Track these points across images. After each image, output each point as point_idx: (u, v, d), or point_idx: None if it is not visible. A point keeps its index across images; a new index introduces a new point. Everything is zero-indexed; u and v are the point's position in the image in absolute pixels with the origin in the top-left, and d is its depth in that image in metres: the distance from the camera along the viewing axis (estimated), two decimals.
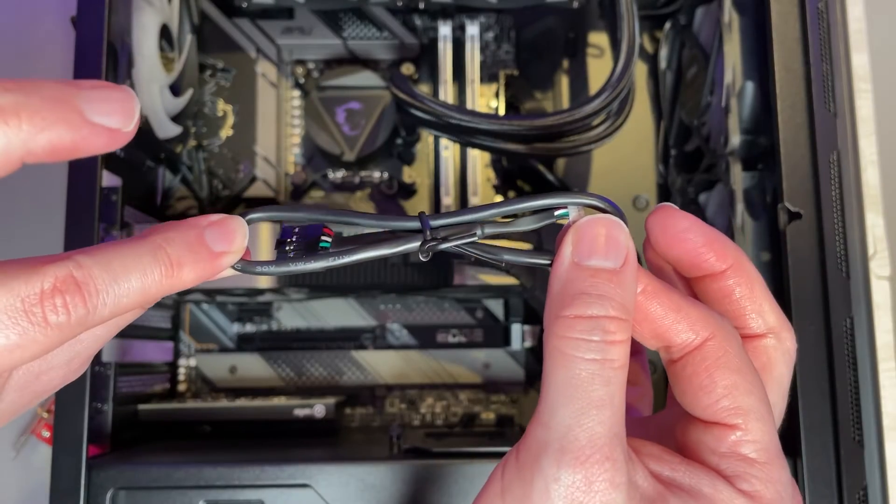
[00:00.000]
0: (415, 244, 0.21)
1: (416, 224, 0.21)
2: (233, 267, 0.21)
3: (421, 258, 0.21)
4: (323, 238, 0.21)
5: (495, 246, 0.22)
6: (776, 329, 0.24)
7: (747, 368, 0.22)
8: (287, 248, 0.21)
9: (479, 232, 0.21)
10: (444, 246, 0.21)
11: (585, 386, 0.20)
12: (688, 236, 0.23)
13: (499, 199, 0.50)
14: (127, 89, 0.19)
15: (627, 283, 0.21)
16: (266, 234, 0.41)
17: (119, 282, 0.19)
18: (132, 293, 0.19)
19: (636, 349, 0.29)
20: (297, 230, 0.22)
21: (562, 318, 0.21)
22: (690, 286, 0.25)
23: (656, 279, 0.23)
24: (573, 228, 0.21)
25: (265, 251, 0.40)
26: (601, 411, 0.20)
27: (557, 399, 0.20)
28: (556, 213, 0.22)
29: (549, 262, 0.22)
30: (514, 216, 0.22)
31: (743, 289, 0.23)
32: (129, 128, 0.19)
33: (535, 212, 0.22)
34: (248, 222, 0.21)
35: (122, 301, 0.19)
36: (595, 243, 0.21)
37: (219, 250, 0.21)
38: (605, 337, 0.20)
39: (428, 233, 0.21)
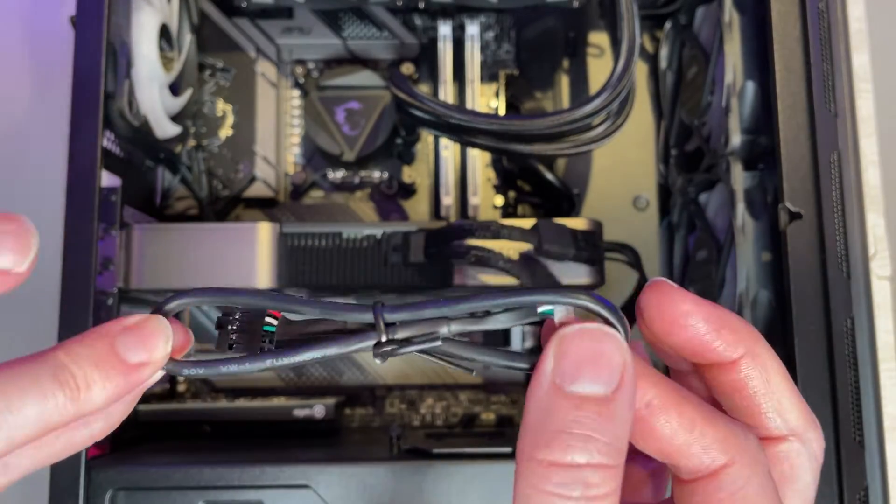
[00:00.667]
0: (368, 343, 0.18)
1: (369, 317, 0.18)
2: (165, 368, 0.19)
3: (377, 361, 0.19)
4: (268, 321, 0.19)
5: (467, 344, 0.19)
6: (799, 431, 0.20)
7: (770, 502, 0.18)
8: (229, 330, 0.19)
9: (444, 330, 0.18)
10: (403, 351, 0.18)
11: None
12: (689, 321, 0.19)
13: (499, 199, 0.50)
14: (21, 220, 0.17)
15: (620, 416, 0.17)
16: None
17: (13, 411, 0.17)
18: (29, 423, 0.17)
19: None
20: (239, 310, 0.19)
21: (535, 462, 0.17)
22: (694, 371, 0.21)
23: (668, 385, 0.19)
24: (556, 340, 0.18)
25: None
26: None
27: None
28: (539, 310, 0.18)
29: (529, 367, 0.18)
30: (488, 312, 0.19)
31: (758, 382, 0.19)
32: (23, 267, 0.17)
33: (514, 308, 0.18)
34: (169, 313, 0.19)
35: (16, 434, 0.17)
36: (582, 362, 0.17)
37: (135, 361, 0.18)
38: (586, 492, 0.17)
39: (383, 332, 0.18)
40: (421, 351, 0.19)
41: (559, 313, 0.18)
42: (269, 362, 0.18)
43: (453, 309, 0.18)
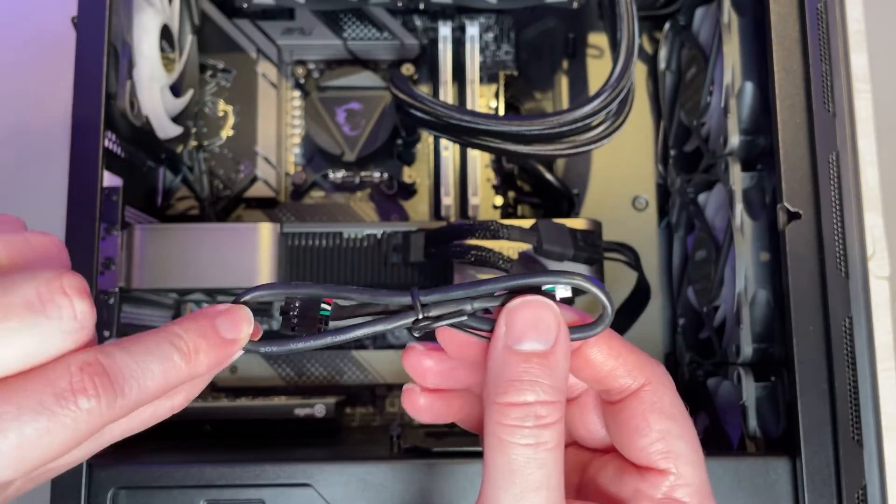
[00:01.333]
0: (408, 321, 0.22)
1: (407, 300, 0.22)
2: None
3: (413, 335, 0.23)
4: (323, 306, 0.23)
5: (484, 319, 0.23)
6: (648, 374, 0.24)
7: (680, 414, 0.23)
8: (291, 315, 0.23)
9: (469, 307, 0.22)
10: (435, 325, 0.22)
11: (522, 470, 0.21)
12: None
13: (499, 199, 0.50)
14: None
15: (559, 365, 0.22)
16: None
17: (141, 366, 0.20)
18: (156, 377, 0.20)
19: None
20: (298, 300, 0.23)
21: (497, 405, 0.22)
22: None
23: None
24: (504, 312, 0.22)
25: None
26: (538, 493, 0.21)
27: (497, 483, 0.21)
28: (543, 288, 0.22)
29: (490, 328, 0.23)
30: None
31: (605, 357, 0.24)
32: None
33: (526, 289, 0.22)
34: (248, 304, 0.22)
35: (146, 385, 0.20)
36: (525, 327, 0.22)
37: (229, 338, 0.22)
38: (537, 422, 0.21)
39: (420, 311, 0.22)
40: (450, 324, 0.23)
41: (560, 291, 0.22)
42: (329, 339, 0.22)
43: (476, 290, 0.22)
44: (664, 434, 0.23)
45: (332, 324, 0.23)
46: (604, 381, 0.23)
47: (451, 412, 0.26)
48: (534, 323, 0.22)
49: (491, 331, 0.23)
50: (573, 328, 0.22)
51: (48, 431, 0.18)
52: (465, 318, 0.22)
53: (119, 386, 0.19)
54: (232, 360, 0.22)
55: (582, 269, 0.40)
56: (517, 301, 0.22)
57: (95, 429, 0.19)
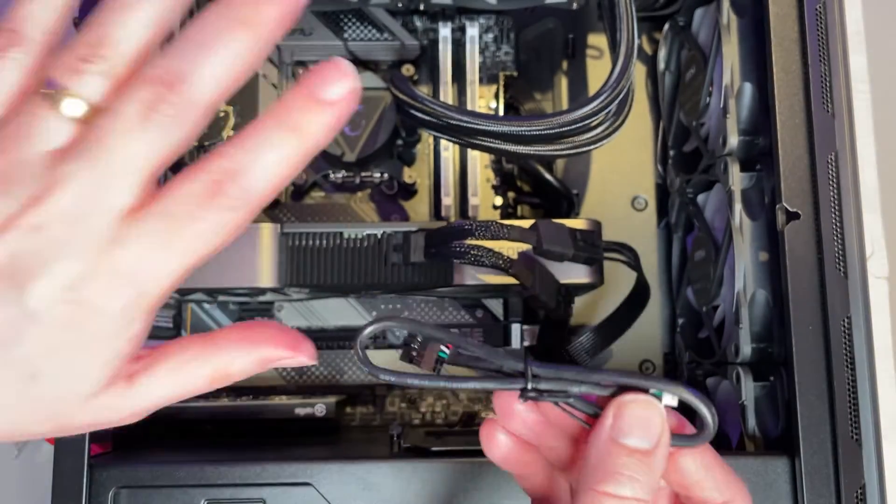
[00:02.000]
0: (516, 387, 0.24)
1: (520, 367, 0.24)
2: (362, 363, 0.23)
3: (519, 401, 0.24)
4: (443, 349, 0.24)
5: (587, 403, 0.24)
6: (733, 491, 0.25)
7: None
8: (413, 347, 0.24)
9: (575, 390, 0.24)
10: (541, 399, 0.24)
11: None
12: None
13: (499, 200, 0.50)
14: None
15: (657, 465, 0.23)
16: None
17: (261, 159, 0.20)
18: (276, 166, 0.20)
19: None
20: (420, 335, 0.24)
21: (594, 492, 0.23)
22: None
23: None
24: (615, 404, 0.24)
25: None
26: None
27: None
28: (651, 391, 0.24)
29: (594, 413, 0.24)
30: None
31: (697, 468, 0.25)
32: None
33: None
34: (379, 328, 0.24)
35: (268, 175, 0.20)
36: (634, 423, 0.23)
37: (331, 98, 0.21)
38: None
39: (529, 381, 0.23)
40: (554, 401, 0.24)
41: (666, 399, 0.24)
42: (442, 384, 0.24)
43: (588, 377, 0.24)
44: None
45: (446, 367, 0.24)
46: (690, 489, 0.24)
47: (519, 462, 0.27)
48: (642, 421, 0.23)
49: (592, 416, 0.24)
50: (674, 435, 0.24)
51: (205, 232, 0.20)
52: (570, 399, 0.24)
53: (245, 190, 0.20)
54: (346, 115, 0.22)
55: (581, 269, 0.40)
56: (630, 396, 0.23)
57: (242, 218, 0.20)
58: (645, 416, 0.23)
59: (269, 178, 0.20)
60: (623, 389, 0.24)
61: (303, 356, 0.24)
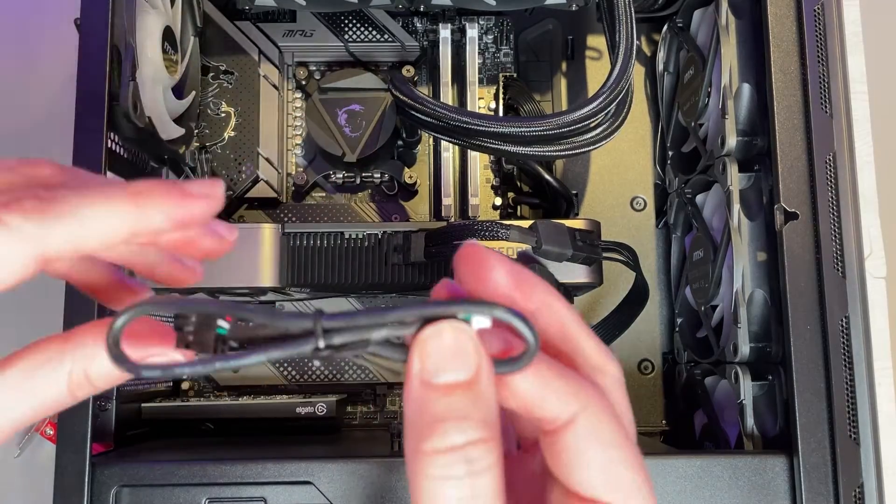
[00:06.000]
0: (306, 348, 0.20)
1: (309, 325, 0.20)
2: (116, 362, 0.20)
3: (315, 363, 0.20)
4: (220, 323, 0.20)
5: (396, 347, 0.20)
6: (600, 365, 0.22)
7: (621, 440, 0.20)
8: (186, 331, 0.20)
9: (375, 336, 0.20)
10: (337, 355, 0.20)
11: None
12: (492, 275, 0.21)
13: (498, 200, 0.50)
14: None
15: (486, 394, 0.19)
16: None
17: (80, 195, 0.19)
18: (95, 206, 0.19)
19: None
20: (194, 315, 0.21)
21: (420, 454, 0.18)
22: None
23: None
24: (417, 345, 0.19)
25: None
26: None
27: None
28: (459, 317, 0.20)
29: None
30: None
31: (556, 329, 0.22)
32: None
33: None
34: (136, 314, 0.20)
35: (84, 213, 0.19)
36: (442, 355, 0.19)
37: (190, 191, 0.20)
38: (470, 468, 0.18)
39: (320, 338, 0.20)
40: (355, 355, 0.20)
41: (477, 322, 0.20)
42: (218, 364, 0.20)
43: (385, 317, 0.20)
44: (605, 465, 0.20)
45: (228, 343, 0.20)
46: (534, 411, 0.20)
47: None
48: (451, 350, 0.19)
49: (405, 361, 0.20)
50: (495, 361, 0.20)
51: None
52: (368, 347, 0.20)
53: (51, 207, 0.18)
54: (198, 216, 0.20)
55: (581, 269, 0.41)
56: (431, 328, 0.19)
57: (25, 248, 0.18)
58: (454, 345, 0.19)
59: (77, 220, 0.19)
60: (428, 322, 0.20)
61: (175, 352, 0.21)
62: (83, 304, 0.34)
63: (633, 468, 0.21)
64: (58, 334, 0.21)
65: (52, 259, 0.19)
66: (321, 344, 0.20)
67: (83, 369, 0.20)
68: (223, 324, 0.20)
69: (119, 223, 0.19)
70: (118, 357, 0.20)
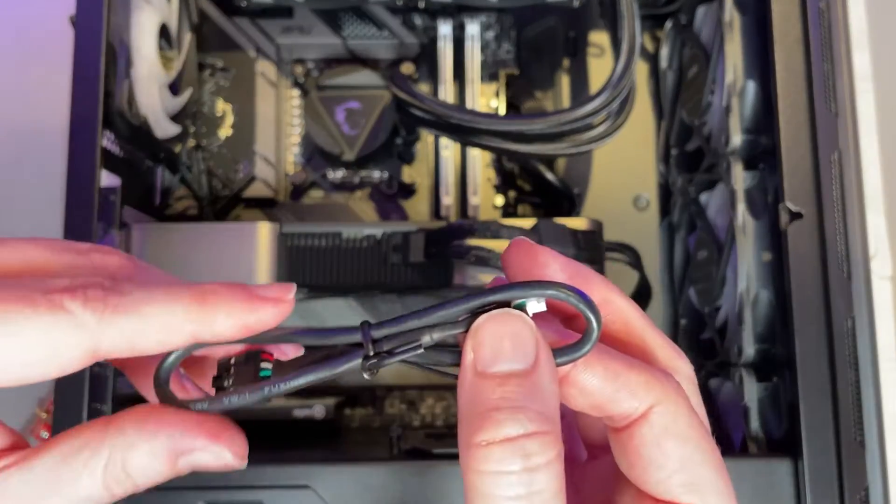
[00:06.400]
0: (356, 362, 0.19)
1: (356, 337, 0.19)
2: (163, 401, 0.19)
3: (365, 376, 0.19)
4: (263, 366, 0.20)
5: (452, 352, 0.19)
6: (668, 362, 0.21)
7: (699, 435, 0.19)
8: (225, 382, 0.20)
9: (427, 339, 0.19)
10: (388, 361, 0.19)
11: None
12: (546, 271, 0.20)
13: (499, 199, 0.50)
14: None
15: (544, 385, 0.18)
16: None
17: (147, 292, 0.18)
18: (157, 304, 0.18)
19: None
20: (233, 361, 0.20)
21: (473, 447, 0.17)
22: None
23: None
24: (471, 333, 0.18)
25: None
26: None
27: None
28: (513, 304, 0.18)
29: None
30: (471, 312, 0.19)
31: (619, 325, 0.21)
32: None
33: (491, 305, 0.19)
34: (186, 353, 0.19)
35: (145, 310, 0.18)
36: (497, 345, 0.18)
37: (262, 294, 0.19)
38: (526, 463, 0.17)
39: (370, 347, 0.19)
40: (408, 360, 0.19)
41: (533, 306, 0.18)
42: (266, 391, 0.19)
43: (433, 317, 0.19)
44: (684, 463, 0.19)
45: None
46: (605, 408, 0.19)
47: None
48: (506, 339, 0.18)
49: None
50: (555, 351, 0.19)
51: (26, 320, 0.17)
52: (421, 350, 0.19)
53: (114, 299, 0.17)
54: (267, 323, 0.19)
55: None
56: (484, 317, 0.18)
57: (81, 340, 0.17)
58: (509, 332, 0.18)
59: (140, 317, 0.18)
60: (478, 314, 0.19)
61: (225, 450, 0.19)
62: None
63: (714, 468, 0.19)
64: (99, 419, 0.19)
65: (104, 355, 0.18)
66: (371, 352, 0.19)
67: (121, 460, 0.18)
68: (266, 366, 0.20)
69: (181, 324, 0.18)
70: (166, 396, 0.19)
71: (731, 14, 0.41)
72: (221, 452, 0.19)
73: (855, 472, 0.34)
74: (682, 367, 0.21)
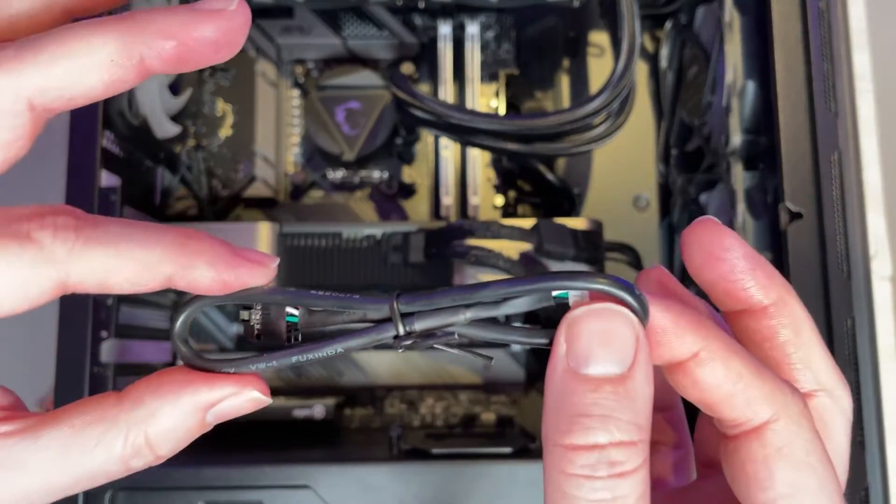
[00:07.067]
0: (387, 335, 0.18)
1: (384, 310, 0.18)
2: (186, 360, 0.19)
3: (399, 351, 0.19)
4: (290, 311, 0.19)
5: (485, 326, 0.19)
6: (829, 386, 0.20)
7: (819, 463, 0.18)
8: (251, 318, 0.19)
9: (461, 318, 0.18)
10: (423, 345, 0.18)
11: None
12: (728, 256, 0.19)
13: (499, 199, 0.50)
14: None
15: (639, 392, 0.17)
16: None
17: (122, 226, 0.17)
18: (133, 241, 0.17)
19: (671, 403, 0.24)
20: (257, 306, 0.20)
21: (559, 448, 0.17)
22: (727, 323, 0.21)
23: (717, 338, 0.18)
24: (565, 325, 0.17)
25: None
26: None
27: None
28: (553, 294, 0.18)
29: (548, 342, 0.18)
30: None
31: (788, 332, 0.19)
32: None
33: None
34: (200, 307, 0.19)
35: (118, 244, 0.17)
36: (593, 343, 0.17)
37: (250, 256, 0.18)
38: (612, 470, 0.17)
39: (400, 324, 0.18)
40: (440, 344, 0.19)
41: (574, 297, 0.18)
42: (294, 359, 0.19)
43: (469, 297, 0.18)
44: (793, 490, 0.17)
45: (301, 334, 0.19)
46: (716, 408, 0.18)
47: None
48: (604, 338, 0.17)
49: (550, 342, 0.18)
50: None
51: None
52: (454, 334, 0.18)
53: (88, 231, 0.16)
54: (246, 284, 0.18)
55: (583, 269, 0.40)
56: (583, 309, 0.17)
57: (49, 272, 0.16)
58: (609, 331, 0.17)
59: (111, 249, 0.16)
60: (511, 299, 0.18)
61: (253, 389, 0.18)
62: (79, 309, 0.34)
63: (825, 497, 0.18)
64: (108, 393, 0.18)
65: (72, 289, 0.17)
66: (402, 330, 0.18)
67: (143, 433, 0.18)
68: (293, 311, 0.19)
69: (158, 265, 0.17)
70: (192, 357, 0.19)
71: (730, 14, 0.41)
72: (250, 393, 0.19)
73: (855, 473, 0.34)
74: (841, 396, 0.20)
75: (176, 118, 0.46)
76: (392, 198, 0.50)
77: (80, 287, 0.17)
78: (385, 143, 0.48)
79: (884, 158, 0.38)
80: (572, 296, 0.18)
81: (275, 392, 0.48)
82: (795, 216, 0.36)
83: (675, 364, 0.18)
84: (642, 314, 0.17)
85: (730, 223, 0.41)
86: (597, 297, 0.18)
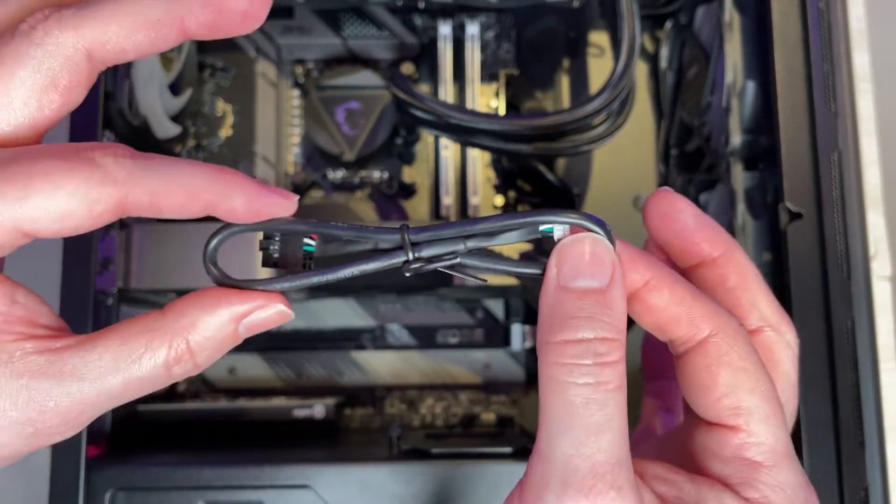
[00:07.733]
0: (398, 260, 0.21)
1: (396, 238, 0.21)
2: (217, 281, 0.21)
3: (406, 274, 0.21)
4: (307, 241, 0.21)
5: (484, 256, 0.22)
6: (773, 323, 0.24)
7: (752, 367, 0.21)
8: (271, 247, 0.22)
9: (462, 247, 0.21)
10: (428, 267, 0.21)
11: (581, 412, 0.20)
12: (680, 216, 0.23)
13: (499, 199, 0.50)
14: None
15: (616, 302, 0.21)
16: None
17: (172, 163, 0.19)
18: (183, 174, 0.19)
19: (668, 375, 0.28)
20: (279, 235, 0.22)
21: (552, 344, 0.20)
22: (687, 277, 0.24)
23: (664, 270, 0.22)
24: (556, 250, 0.21)
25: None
26: (600, 437, 0.19)
27: (555, 429, 0.20)
28: (541, 228, 0.21)
29: (539, 272, 0.22)
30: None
31: (736, 278, 0.23)
32: None
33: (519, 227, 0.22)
34: (228, 235, 0.21)
35: (171, 173, 0.19)
36: (579, 264, 0.21)
37: (276, 190, 0.20)
38: (597, 360, 0.20)
39: (410, 250, 0.21)
40: (444, 267, 0.22)
41: (557, 231, 0.21)
42: (315, 279, 0.21)
43: (470, 228, 0.21)
44: (732, 388, 0.21)
45: (316, 262, 0.22)
46: (666, 328, 0.22)
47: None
48: (588, 259, 0.21)
49: (542, 272, 0.21)
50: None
51: (62, 175, 0.18)
52: (457, 259, 0.21)
53: (142, 159, 0.19)
54: (273, 212, 0.20)
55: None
56: (569, 238, 0.21)
57: (111, 192, 0.19)
58: (591, 254, 0.21)
59: (166, 179, 0.19)
60: (509, 231, 0.22)
61: (280, 303, 0.21)
62: (81, 282, 0.34)
63: (762, 396, 0.21)
64: (151, 311, 0.20)
65: (129, 210, 0.19)
66: (411, 256, 0.21)
67: (185, 340, 0.20)
68: (310, 241, 0.21)
69: (201, 191, 0.19)
70: (221, 276, 0.21)
71: (730, 14, 0.41)
72: (277, 306, 0.21)
73: (854, 473, 0.34)
74: (786, 332, 0.24)
75: (176, 118, 0.46)
76: (392, 198, 0.50)
77: (135, 207, 0.19)
78: (385, 143, 0.48)
79: (884, 158, 0.38)
80: (556, 230, 0.21)
81: (275, 392, 0.48)
82: (795, 216, 0.36)
83: (632, 294, 0.22)
84: (610, 243, 0.22)
85: (729, 223, 0.41)
86: (575, 231, 0.22)
